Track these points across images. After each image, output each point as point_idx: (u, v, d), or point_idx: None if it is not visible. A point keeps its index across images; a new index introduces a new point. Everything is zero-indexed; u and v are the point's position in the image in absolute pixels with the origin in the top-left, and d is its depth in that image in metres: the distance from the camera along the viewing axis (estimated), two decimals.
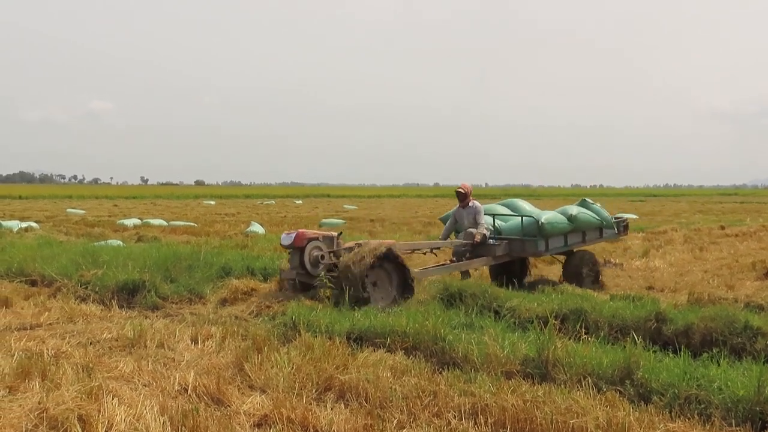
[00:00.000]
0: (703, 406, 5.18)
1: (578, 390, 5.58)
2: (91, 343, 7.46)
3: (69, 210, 41.14)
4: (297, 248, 9.96)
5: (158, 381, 6.14)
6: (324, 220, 29.93)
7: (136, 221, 28.25)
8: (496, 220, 12.24)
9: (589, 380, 5.73)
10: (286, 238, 10.16)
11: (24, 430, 4.91)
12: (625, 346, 6.13)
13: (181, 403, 5.47)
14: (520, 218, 11.96)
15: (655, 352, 6.29)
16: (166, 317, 9.11)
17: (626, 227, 13.72)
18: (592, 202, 12.95)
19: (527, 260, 13.06)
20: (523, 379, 5.99)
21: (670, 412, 5.19)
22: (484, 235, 11.50)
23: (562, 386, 5.71)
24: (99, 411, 5.08)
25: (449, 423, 5.13)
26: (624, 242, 19.32)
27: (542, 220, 11.53)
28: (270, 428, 5.09)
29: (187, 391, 5.82)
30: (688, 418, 5.09)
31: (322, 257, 9.92)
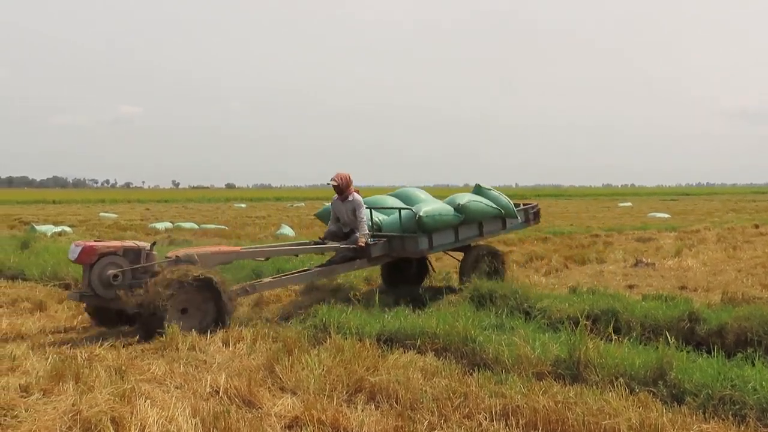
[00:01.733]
0: (737, 406, 5.12)
1: (610, 391, 5.55)
2: (123, 346, 7.53)
3: (102, 214, 41.55)
4: (86, 265, 8.24)
5: (190, 383, 6.18)
6: None
7: (168, 225, 28.49)
8: (375, 214, 10.79)
9: (622, 381, 5.68)
10: (73, 251, 8.35)
11: (58, 431, 4.97)
12: (657, 347, 6.09)
13: (212, 404, 5.50)
14: (398, 212, 10.54)
15: (688, 352, 6.23)
16: None
17: (537, 214, 12.24)
18: (489, 188, 11.26)
19: (427, 261, 11.79)
20: (555, 380, 5.96)
21: (704, 413, 5.14)
22: (369, 236, 10.12)
23: (594, 387, 5.68)
24: (132, 413, 5.13)
25: (480, 424, 5.12)
26: (656, 242, 19.18)
27: (420, 213, 9.89)
28: (301, 430, 5.11)
29: (218, 393, 5.85)
30: (723, 419, 5.04)
31: (116, 276, 8.20)
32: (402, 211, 10.41)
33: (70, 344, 7.65)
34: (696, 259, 15.10)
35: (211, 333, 7.98)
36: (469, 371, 6.36)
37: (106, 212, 44.23)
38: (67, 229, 25.00)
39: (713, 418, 5.08)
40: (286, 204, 65.43)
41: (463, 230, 10.65)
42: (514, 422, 5.10)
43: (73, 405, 5.33)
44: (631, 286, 11.71)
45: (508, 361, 6.33)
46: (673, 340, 6.27)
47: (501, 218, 11.15)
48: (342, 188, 10.25)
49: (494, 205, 10.88)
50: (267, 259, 10.65)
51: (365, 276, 11.43)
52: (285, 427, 5.20)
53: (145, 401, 5.40)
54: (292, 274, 9.96)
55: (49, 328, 8.65)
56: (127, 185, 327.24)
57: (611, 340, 6.76)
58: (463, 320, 7.25)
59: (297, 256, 11.09)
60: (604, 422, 4.92)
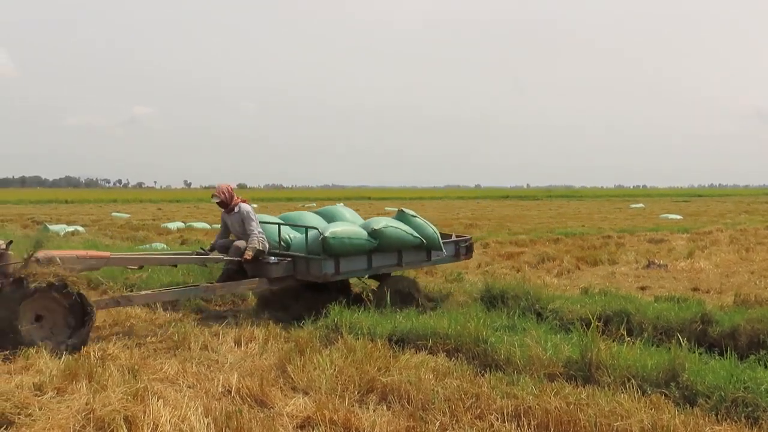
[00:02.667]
0: (750, 408, 5.11)
1: (622, 392, 5.54)
2: (136, 345, 7.56)
3: (114, 214, 41.72)
4: None
5: (202, 383, 6.21)
6: None
7: (180, 224, 28.56)
8: (287, 230, 9.88)
9: (634, 383, 5.68)
10: None
11: (72, 430, 4.99)
12: (670, 348, 6.08)
13: (225, 404, 5.53)
14: (305, 231, 9.45)
15: (700, 354, 6.23)
16: (209, 319, 9.19)
17: (469, 249, 11.09)
18: (413, 214, 10.22)
19: (348, 286, 10.81)
20: (566, 381, 5.95)
21: (717, 415, 5.13)
22: (256, 248, 9.15)
23: (606, 389, 5.68)
24: (144, 412, 5.15)
25: (492, 425, 5.12)
26: (669, 243, 19.11)
27: (326, 234, 8.94)
28: (313, 430, 5.12)
29: (230, 392, 5.88)
30: (735, 421, 5.03)
31: None
32: (309, 230, 9.36)
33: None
34: (708, 260, 15.05)
35: (222, 333, 8.01)
36: (480, 372, 6.36)
37: (118, 212, 44.39)
38: (80, 228, 25.10)
39: (726, 420, 5.07)
40: (298, 204, 65.51)
41: (378, 258, 9.70)
42: (525, 423, 5.11)
43: (86, 404, 5.35)
44: (643, 288, 11.70)
45: (520, 362, 6.33)
46: (685, 341, 6.25)
47: (426, 249, 10.19)
48: (226, 201, 9.55)
49: (416, 234, 9.88)
50: (140, 267, 9.77)
51: None
52: (297, 427, 5.22)
53: (157, 400, 5.42)
54: (175, 288, 9.19)
55: None
56: (139, 185, 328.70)
57: (623, 342, 6.75)
58: (475, 321, 7.25)
59: (176, 266, 10.07)
60: (616, 424, 4.91)
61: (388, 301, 8.76)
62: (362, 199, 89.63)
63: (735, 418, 5.07)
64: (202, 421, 5.09)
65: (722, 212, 41.16)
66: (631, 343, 6.71)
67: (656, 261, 14.75)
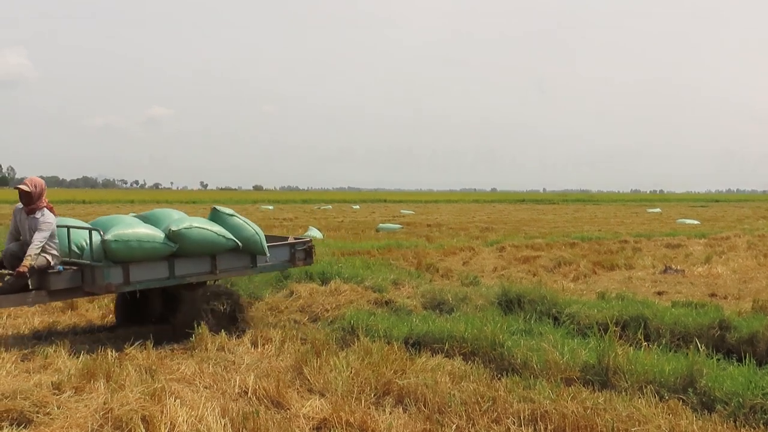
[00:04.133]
0: None
1: (640, 398, 5.53)
2: (153, 346, 7.58)
3: (131, 215, 41.82)
4: None
5: (219, 383, 6.23)
6: (381, 225, 29.98)
7: None
8: (78, 235, 8.35)
9: (651, 388, 5.67)
10: None
11: (90, 429, 5.03)
12: (687, 354, 6.06)
13: (241, 405, 5.55)
14: (89, 234, 8.02)
15: (718, 360, 6.19)
16: None
17: (309, 253, 9.65)
18: (231, 213, 8.75)
19: (177, 293, 8.94)
20: (583, 386, 5.94)
21: (735, 422, 5.11)
22: (32, 266, 7.44)
23: (623, 394, 5.67)
24: (162, 412, 5.18)
25: (508, 429, 5.12)
26: (686, 248, 19.00)
27: (107, 236, 7.59)
28: None
29: (247, 393, 5.89)
30: (754, 428, 5.01)
31: None
32: (92, 232, 7.92)
33: (100, 343, 7.71)
34: (726, 266, 14.95)
35: (239, 334, 8.04)
36: (497, 376, 6.36)
37: (134, 213, 44.49)
38: None
39: (744, 426, 5.04)
40: (314, 206, 65.62)
41: (182, 264, 8.25)
42: (542, 427, 5.10)
43: (104, 403, 5.39)
44: (660, 293, 11.63)
45: (537, 366, 6.33)
46: (703, 347, 6.23)
47: (248, 254, 8.83)
48: (33, 198, 7.85)
49: (228, 236, 8.42)
50: None
51: (393, 279, 11.41)
52: (313, 429, 5.23)
53: (174, 401, 5.46)
54: None
55: (80, 327, 8.76)
56: (156, 186, 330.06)
57: (640, 347, 6.73)
58: (492, 325, 7.24)
59: None
60: (633, 429, 4.92)
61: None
62: (378, 201, 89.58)
63: (753, 424, 5.04)
64: (219, 422, 5.12)
65: (740, 217, 40.92)
66: (648, 349, 6.70)
67: (673, 266, 14.67)
